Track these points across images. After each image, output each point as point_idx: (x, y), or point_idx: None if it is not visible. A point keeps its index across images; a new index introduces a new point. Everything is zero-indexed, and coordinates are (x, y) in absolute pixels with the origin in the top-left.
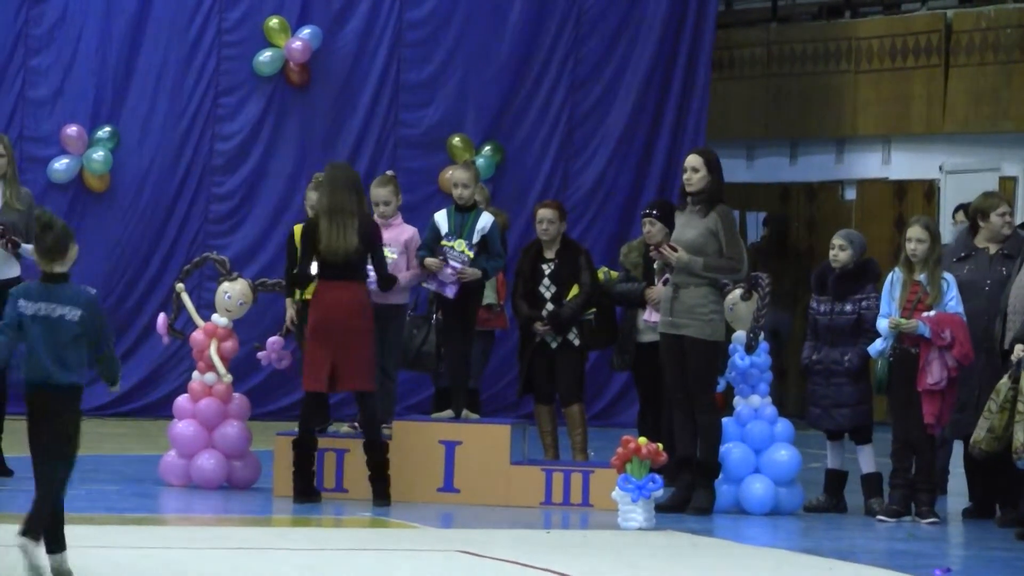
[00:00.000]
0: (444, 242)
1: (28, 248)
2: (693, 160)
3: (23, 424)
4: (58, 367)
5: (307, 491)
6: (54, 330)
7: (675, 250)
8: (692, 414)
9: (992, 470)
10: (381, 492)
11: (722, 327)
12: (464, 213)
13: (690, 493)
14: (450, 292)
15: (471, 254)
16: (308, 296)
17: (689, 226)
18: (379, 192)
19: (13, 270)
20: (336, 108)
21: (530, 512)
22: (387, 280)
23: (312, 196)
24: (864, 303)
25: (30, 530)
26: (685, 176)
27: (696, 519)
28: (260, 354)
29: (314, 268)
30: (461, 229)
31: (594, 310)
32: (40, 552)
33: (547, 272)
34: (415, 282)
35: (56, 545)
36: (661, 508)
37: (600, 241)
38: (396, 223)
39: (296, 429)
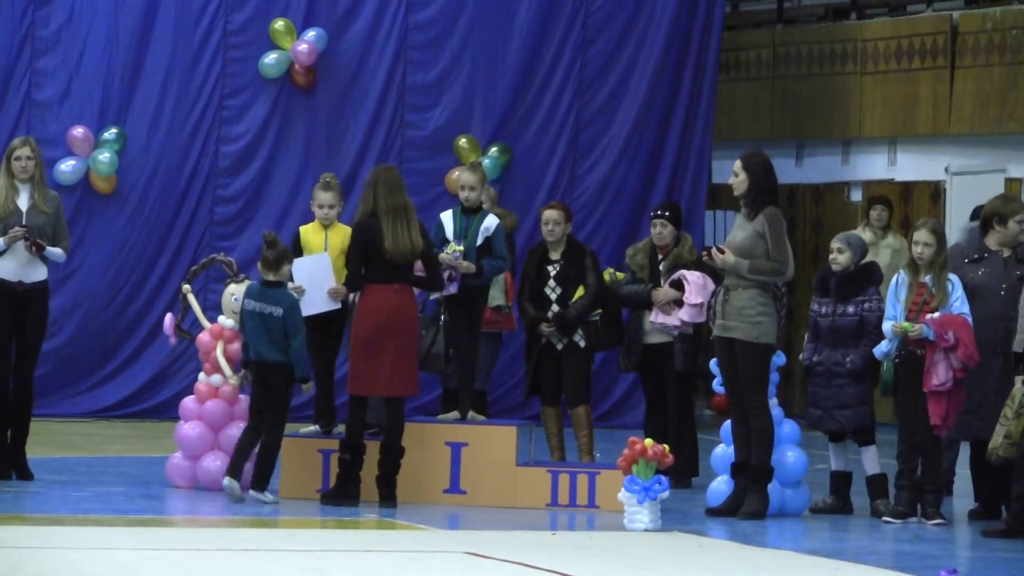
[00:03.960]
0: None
1: (55, 252)
2: (735, 164)
3: (47, 425)
4: (268, 349)
5: (355, 494)
6: (266, 323)
7: (723, 252)
8: (747, 418)
9: (998, 471)
10: (387, 494)
11: (772, 329)
12: (470, 215)
13: (744, 497)
14: (452, 288)
15: (461, 248)
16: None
17: (740, 228)
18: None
19: (40, 273)
20: (342, 110)
21: (536, 513)
22: (438, 281)
23: (320, 196)
24: (866, 305)
25: (259, 483)
26: (730, 180)
27: (748, 523)
28: None
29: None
30: (466, 231)
31: (600, 311)
32: (265, 495)
33: (552, 273)
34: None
35: (262, 485)
36: (715, 512)
37: (608, 242)
38: None
39: (315, 427)
